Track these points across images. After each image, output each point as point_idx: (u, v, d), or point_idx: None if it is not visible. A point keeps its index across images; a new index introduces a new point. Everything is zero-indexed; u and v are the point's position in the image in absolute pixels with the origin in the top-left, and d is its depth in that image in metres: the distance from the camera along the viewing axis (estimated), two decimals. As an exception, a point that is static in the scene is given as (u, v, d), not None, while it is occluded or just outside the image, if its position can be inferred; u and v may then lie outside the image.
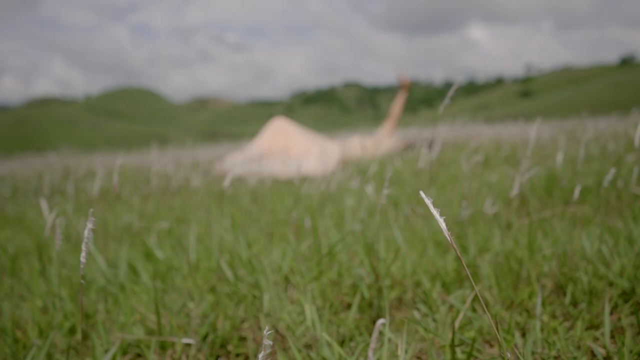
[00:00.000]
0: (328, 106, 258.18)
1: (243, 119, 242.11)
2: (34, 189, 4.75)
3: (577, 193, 1.17)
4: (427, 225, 1.93)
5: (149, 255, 1.79)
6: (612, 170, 1.11)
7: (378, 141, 5.61)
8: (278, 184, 3.90)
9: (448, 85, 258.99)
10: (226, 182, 1.18)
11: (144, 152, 11.21)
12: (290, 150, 5.07)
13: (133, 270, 1.59)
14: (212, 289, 1.43)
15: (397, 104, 5.89)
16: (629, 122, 6.67)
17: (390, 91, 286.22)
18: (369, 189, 1.69)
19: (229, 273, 1.31)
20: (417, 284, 1.28)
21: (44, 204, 1.59)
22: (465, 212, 1.55)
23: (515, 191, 1.27)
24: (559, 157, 1.72)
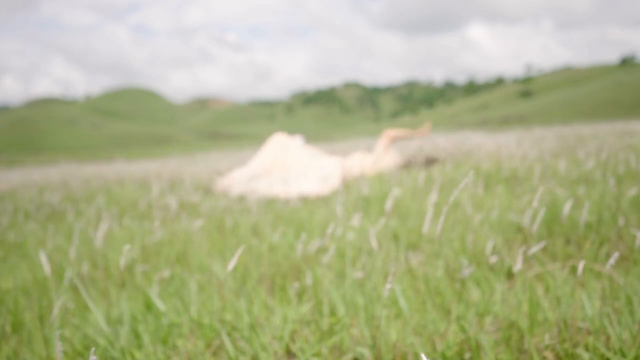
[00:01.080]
0: (328, 106, 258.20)
1: (243, 119, 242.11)
2: (35, 210, 4.75)
3: (580, 269, 1.18)
4: (427, 269, 1.93)
5: (149, 307, 1.79)
6: (616, 254, 1.11)
7: (377, 159, 5.61)
8: (278, 207, 3.90)
9: (448, 85, 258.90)
10: (230, 267, 1.18)
11: (143, 160, 11.21)
12: (291, 167, 5.07)
13: (134, 328, 1.59)
14: (214, 354, 1.44)
15: (401, 133, 5.96)
16: (630, 135, 6.66)
17: (390, 91, 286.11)
18: (373, 242, 1.69)
19: (229, 345, 1.31)
20: (419, 357, 1.28)
21: (44, 259, 1.59)
22: (467, 271, 1.55)
23: (518, 266, 1.27)
24: (567, 208, 1.72)
